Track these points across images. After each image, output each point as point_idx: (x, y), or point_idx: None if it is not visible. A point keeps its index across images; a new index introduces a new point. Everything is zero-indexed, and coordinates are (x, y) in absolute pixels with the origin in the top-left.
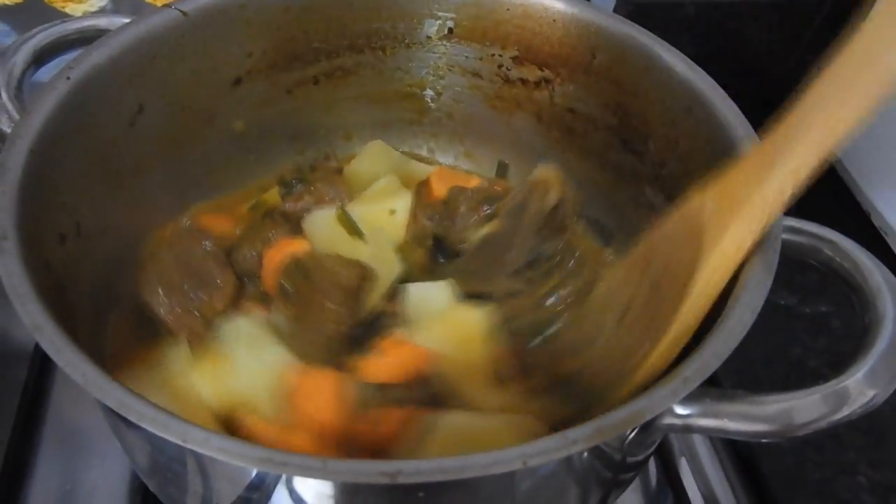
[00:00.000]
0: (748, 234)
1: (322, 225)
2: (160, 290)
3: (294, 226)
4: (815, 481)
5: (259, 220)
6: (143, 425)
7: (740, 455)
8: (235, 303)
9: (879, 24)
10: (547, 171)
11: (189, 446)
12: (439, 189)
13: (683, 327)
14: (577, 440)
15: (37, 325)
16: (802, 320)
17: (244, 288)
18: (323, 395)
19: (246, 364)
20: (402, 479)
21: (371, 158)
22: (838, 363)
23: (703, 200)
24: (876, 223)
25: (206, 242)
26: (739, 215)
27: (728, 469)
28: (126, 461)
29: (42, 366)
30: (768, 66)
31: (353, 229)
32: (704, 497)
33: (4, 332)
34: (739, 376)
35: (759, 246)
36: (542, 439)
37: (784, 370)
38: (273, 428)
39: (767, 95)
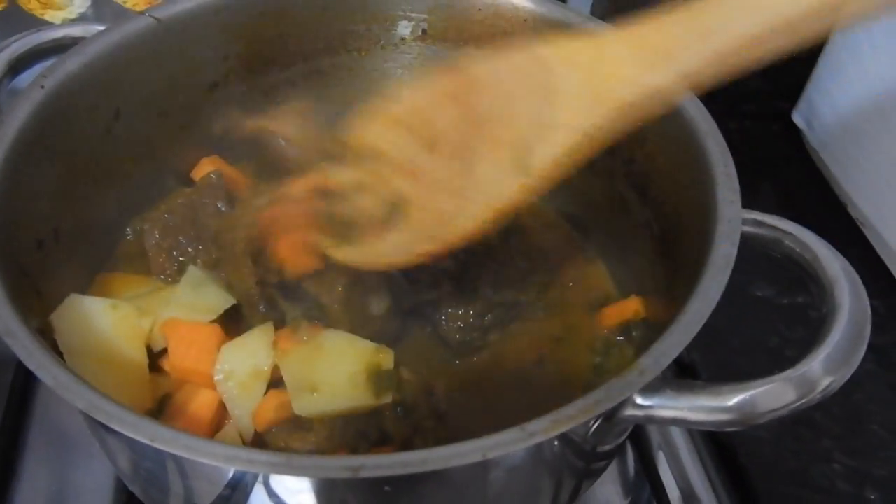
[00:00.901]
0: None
1: None
2: (157, 231)
3: None
4: (791, 469)
5: None
6: (113, 426)
7: (718, 444)
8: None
9: None
10: None
11: (157, 445)
12: None
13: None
14: (534, 432)
15: (8, 329)
16: (780, 311)
17: None
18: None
19: (182, 294)
20: (364, 473)
21: None
22: None
23: (550, 57)
24: (852, 214)
25: (221, 203)
26: (603, 92)
27: (705, 458)
28: None
29: (28, 371)
30: None
31: None
32: (681, 488)
33: None
34: (718, 367)
35: (721, 238)
36: (501, 433)
37: (763, 360)
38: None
39: (750, 87)
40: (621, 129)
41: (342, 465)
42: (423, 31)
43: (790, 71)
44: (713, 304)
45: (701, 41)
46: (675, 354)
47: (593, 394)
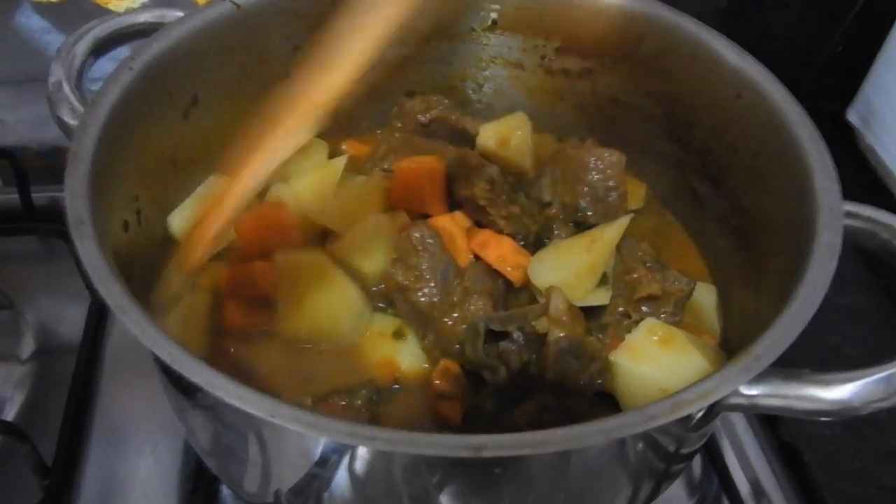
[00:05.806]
0: None
1: None
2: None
3: None
4: (857, 468)
5: None
6: (231, 402)
7: (783, 443)
8: None
9: None
10: None
11: (277, 421)
12: None
13: None
14: (654, 415)
15: (120, 305)
16: (840, 310)
17: None
18: None
19: None
20: (486, 453)
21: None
22: (877, 352)
23: None
24: None
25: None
26: None
27: (770, 456)
28: (177, 449)
29: (90, 359)
30: (797, 61)
31: None
32: (750, 482)
33: (53, 327)
34: (776, 364)
35: (823, 228)
36: (621, 415)
37: (823, 358)
38: None
39: (796, 90)
40: None
41: (464, 444)
42: (493, 22)
43: (840, 71)
44: (823, 292)
45: None
46: (790, 340)
47: (708, 380)
